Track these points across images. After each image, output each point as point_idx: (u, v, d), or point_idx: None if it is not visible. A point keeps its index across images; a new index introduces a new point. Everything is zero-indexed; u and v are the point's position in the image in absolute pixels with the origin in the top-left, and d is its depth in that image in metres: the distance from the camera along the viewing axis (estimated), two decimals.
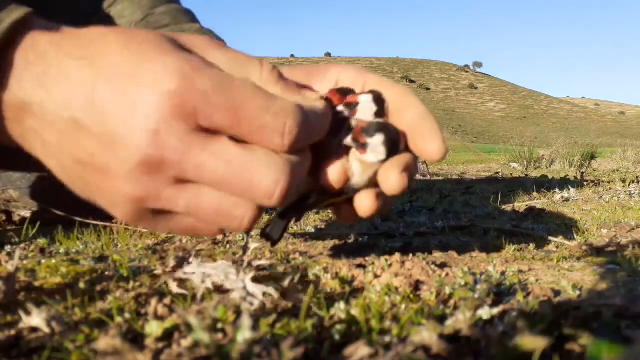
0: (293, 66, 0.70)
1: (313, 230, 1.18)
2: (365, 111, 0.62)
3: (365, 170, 0.61)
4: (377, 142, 0.59)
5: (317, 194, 0.64)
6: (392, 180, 0.60)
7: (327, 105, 0.57)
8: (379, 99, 0.63)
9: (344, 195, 0.64)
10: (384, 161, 0.61)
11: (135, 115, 0.46)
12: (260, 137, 0.50)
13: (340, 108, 0.62)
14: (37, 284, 0.68)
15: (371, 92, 0.63)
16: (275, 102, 0.49)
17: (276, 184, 0.50)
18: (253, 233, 1.09)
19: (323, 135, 0.57)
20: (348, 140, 0.60)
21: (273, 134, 0.49)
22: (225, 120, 0.48)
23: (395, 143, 0.61)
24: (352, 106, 0.62)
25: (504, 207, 1.78)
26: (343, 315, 0.53)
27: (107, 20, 0.83)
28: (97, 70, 0.47)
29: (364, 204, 0.63)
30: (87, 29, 0.50)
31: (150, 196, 0.50)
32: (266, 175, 0.49)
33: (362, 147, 0.59)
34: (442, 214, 1.57)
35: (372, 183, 0.63)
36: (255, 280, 0.67)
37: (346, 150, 0.62)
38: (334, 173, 0.60)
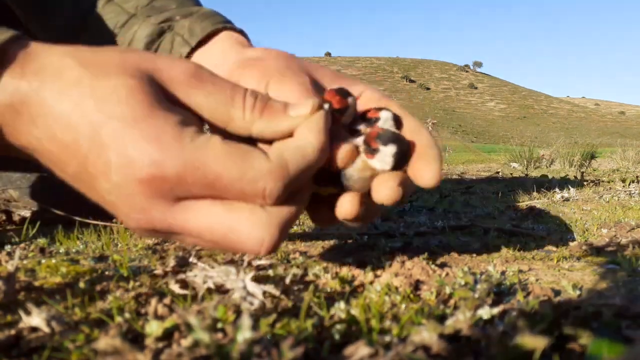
0: (324, 67, 0.68)
1: (313, 230, 1.18)
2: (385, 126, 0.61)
3: (364, 169, 0.59)
4: (388, 152, 0.57)
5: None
6: (387, 190, 0.58)
7: (322, 133, 0.52)
8: (397, 118, 0.62)
9: (331, 187, 0.60)
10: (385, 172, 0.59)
11: (124, 195, 0.48)
12: (242, 199, 0.49)
13: (360, 126, 0.61)
14: (37, 283, 0.68)
15: (387, 109, 0.62)
16: (250, 168, 0.48)
17: (260, 244, 0.50)
18: None
19: (320, 165, 0.54)
20: (359, 141, 0.59)
21: (254, 198, 0.49)
22: (203, 192, 0.48)
23: (405, 158, 0.59)
24: (372, 121, 0.61)
25: (504, 206, 1.78)
26: (343, 315, 0.53)
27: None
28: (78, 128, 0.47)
29: (345, 206, 0.60)
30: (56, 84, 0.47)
31: (154, 235, 0.53)
32: (249, 236, 0.50)
33: (372, 152, 0.58)
34: (442, 214, 1.57)
35: (363, 187, 0.60)
36: (255, 280, 0.67)
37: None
38: (342, 149, 0.57)
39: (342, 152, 0.57)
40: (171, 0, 0.80)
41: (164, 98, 0.50)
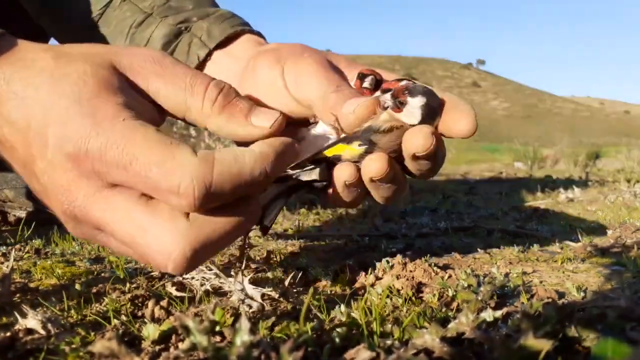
0: (338, 55, 0.68)
1: (313, 231, 1.17)
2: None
3: (388, 123, 0.57)
4: (416, 104, 0.56)
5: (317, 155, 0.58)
6: (420, 139, 0.54)
7: (273, 162, 0.47)
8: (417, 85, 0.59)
9: (357, 142, 0.57)
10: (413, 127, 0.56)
11: (53, 174, 0.47)
12: (159, 195, 0.45)
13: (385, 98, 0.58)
14: (32, 285, 0.67)
15: (407, 79, 0.60)
16: (170, 159, 0.44)
17: (167, 257, 0.44)
18: (251, 234, 1.09)
19: (261, 188, 0.50)
20: (386, 98, 0.57)
21: (169, 195, 0.44)
22: (121, 176, 0.45)
23: (434, 112, 0.57)
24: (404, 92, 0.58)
25: (507, 207, 1.77)
26: (343, 318, 0.52)
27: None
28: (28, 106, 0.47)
29: (375, 165, 0.56)
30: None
31: (78, 233, 0.50)
32: (158, 243, 0.44)
33: (399, 105, 0.56)
34: (445, 215, 1.56)
35: (389, 143, 0.57)
36: (254, 282, 0.67)
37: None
38: (362, 104, 0.55)
39: (362, 107, 0.55)
40: (188, 0, 0.79)
41: (124, 84, 0.49)
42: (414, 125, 0.56)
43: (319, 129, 0.62)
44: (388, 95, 0.57)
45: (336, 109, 0.57)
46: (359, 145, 0.57)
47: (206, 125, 0.51)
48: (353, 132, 0.57)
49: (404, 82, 0.59)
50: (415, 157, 0.56)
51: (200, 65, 0.73)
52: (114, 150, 0.45)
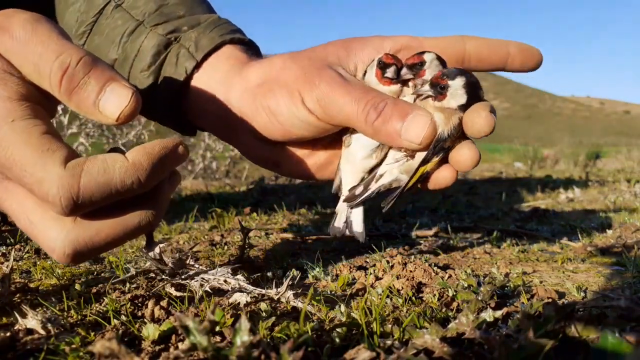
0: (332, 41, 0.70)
1: (313, 231, 1.17)
2: (432, 69, 0.62)
3: (448, 118, 0.59)
4: (458, 85, 0.59)
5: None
6: (481, 120, 0.58)
7: (146, 170, 0.48)
8: (440, 57, 0.63)
9: (435, 157, 0.61)
10: (464, 107, 0.60)
11: None
12: (37, 198, 0.48)
13: (403, 71, 0.63)
14: (32, 285, 0.67)
15: (427, 51, 0.63)
16: (41, 170, 0.46)
17: (52, 250, 0.49)
18: (252, 234, 1.09)
19: (135, 193, 0.50)
20: (425, 88, 0.60)
21: (42, 200, 0.47)
22: (11, 176, 0.48)
23: (476, 87, 0.60)
24: (418, 67, 0.62)
25: (507, 207, 1.77)
26: (343, 318, 0.52)
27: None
28: None
29: (466, 153, 0.60)
30: None
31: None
32: (45, 236, 0.49)
33: (442, 90, 0.59)
34: (445, 215, 1.56)
35: (457, 137, 0.60)
36: (253, 282, 0.67)
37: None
38: (426, 135, 0.58)
39: (421, 129, 0.59)
40: (180, 5, 0.77)
41: (11, 69, 0.49)
42: (463, 105, 0.60)
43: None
44: (427, 87, 0.60)
45: (391, 134, 0.61)
46: (436, 157, 0.61)
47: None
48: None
49: (426, 56, 0.62)
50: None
51: (189, 76, 0.72)
52: (1, 152, 0.47)
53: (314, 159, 0.74)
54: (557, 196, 2.11)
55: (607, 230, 1.22)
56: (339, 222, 0.70)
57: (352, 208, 0.70)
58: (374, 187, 0.68)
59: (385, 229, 1.22)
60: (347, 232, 0.69)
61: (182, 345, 0.42)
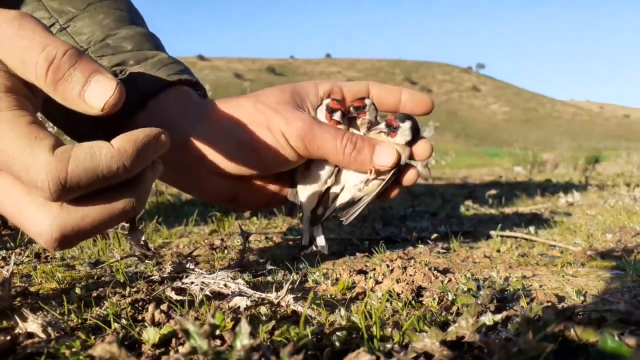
0: (282, 86, 0.79)
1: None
2: (371, 111, 0.81)
3: (403, 150, 0.78)
4: (406, 127, 0.78)
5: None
6: (427, 150, 0.81)
7: (132, 155, 0.50)
8: (373, 103, 0.81)
9: (393, 177, 0.79)
10: (409, 143, 0.79)
11: None
12: (25, 185, 0.49)
13: (352, 110, 0.80)
14: (32, 289, 0.67)
15: (366, 98, 0.81)
16: (29, 157, 0.47)
17: (39, 236, 0.50)
18: (251, 238, 1.09)
19: (144, 165, 0.52)
20: (382, 126, 0.79)
21: (30, 186, 0.48)
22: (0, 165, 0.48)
23: (417, 129, 0.79)
24: (361, 109, 0.79)
25: (507, 211, 1.77)
26: (343, 322, 0.52)
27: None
28: None
29: (412, 173, 0.82)
30: None
31: None
32: (32, 223, 0.50)
33: (395, 130, 0.78)
34: (445, 219, 1.56)
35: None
36: (254, 286, 0.67)
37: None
38: (389, 153, 0.77)
39: (391, 156, 0.77)
40: (128, 40, 0.76)
41: None
42: (408, 142, 0.79)
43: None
44: (383, 125, 0.79)
45: (363, 161, 0.78)
46: (394, 177, 0.81)
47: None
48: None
49: (367, 101, 0.80)
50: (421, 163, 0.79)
51: (133, 112, 0.72)
52: None
53: (266, 190, 0.83)
54: (556, 200, 2.11)
55: (606, 234, 1.22)
56: (305, 241, 0.87)
57: (317, 226, 0.87)
58: (332, 206, 0.85)
59: (385, 233, 1.22)
60: (314, 248, 0.87)
61: (183, 349, 0.42)
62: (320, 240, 0.86)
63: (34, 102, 0.53)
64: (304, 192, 0.84)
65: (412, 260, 0.85)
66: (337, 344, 0.47)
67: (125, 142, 0.50)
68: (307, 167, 0.82)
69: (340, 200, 0.83)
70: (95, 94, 0.49)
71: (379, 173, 0.78)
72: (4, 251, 0.91)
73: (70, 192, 0.48)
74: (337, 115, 0.78)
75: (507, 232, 1.19)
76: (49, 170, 0.46)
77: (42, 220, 0.49)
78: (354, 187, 0.81)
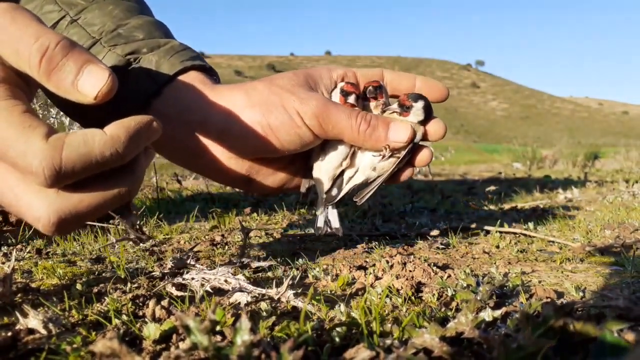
0: (297, 71, 0.79)
1: (313, 231, 1.17)
2: (385, 95, 0.82)
3: (417, 128, 0.79)
4: (419, 106, 0.79)
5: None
6: (440, 129, 0.82)
7: (126, 142, 0.51)
8: (383, 86, 0.83)
9: (408, 155, 0.80)
10: (422, 123, 0.80)
11: None
12: (21, 172, 0.49)
13: (370, 90, 0.80)
14: (34, 285, 0.67)
15: (378, 81, 0.82)
16: (23, 143, 0.47)
17: (37, 221, 0.51)
18: (252, 234, 1.09)
19: (137, 152, 0.53)
20: (394, 106, 0.80)
21: (25, 173, 0.49)
22: None
23: (430, 108, 0.80)
24: (378, 90, 0.81)
25: (506, 207, 1.77)
26: (343, 318, 0.52)
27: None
28: None
29: (426, 154, 0.83)
30: None
31: None
32: (29, 209, 0.51)
33: (407, 109, 0.79)
34: (444, 215, 1.56)
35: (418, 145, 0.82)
36: (254, 282, 0.67)
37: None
38: (404, 129, 0.77)
39: (405, 132, 0.77)
40: (139, 29, 0.77)
41: None
42: (421, 121, 0.80)
43: None
44: (395, 105, 0.80)
45: (378, 138, 0.78)
46: (408, 156, 0.82)
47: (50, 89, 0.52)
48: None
49: (382, 83, 0.82)
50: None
51: (149, 99, 0.73)
52: None
53: (281, 175, 0.84)
54: (555, 196, 2.11)
55: (605, 230, 1.22)
56: (320, 222, 0.87)
57: (332, 208, 0.87)
58: (346, 187, 0.85)
59: (384, 229, 1.22)
60: (328, 230, 0.86)
61: (183, 345, 0.42)
62: (335, 223, 0.86)
63: (28, 91, 0.54)
64: (319, 174, 0.84)
65: (412, 256, 0.85)
66: (337, 339, 0.47)
67: (118, 129, 0.50)
68: (322, 148, 0.83)
69: (354, 182, 0.84)
70: (88, 83, 0.50)
71: (393, 150, 0.79)
72: (5, 247, 0.91)
73: (64, 178, 0.49)
74: (351, 99, 0.78)
75: (506, 228, 1.19)
76: (44, 156, 0.47)
77: (39, 205, 0.50)
78: (369, 167, 0.82)
